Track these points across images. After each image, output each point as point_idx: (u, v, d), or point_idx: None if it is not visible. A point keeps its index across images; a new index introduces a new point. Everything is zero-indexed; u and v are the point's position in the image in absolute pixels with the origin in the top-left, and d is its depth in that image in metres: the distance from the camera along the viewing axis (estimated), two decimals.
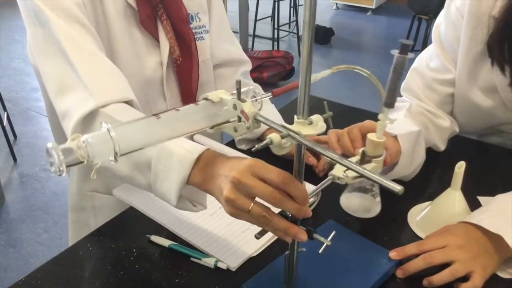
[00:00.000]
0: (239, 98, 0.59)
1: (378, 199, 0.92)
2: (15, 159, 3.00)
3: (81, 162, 0.49)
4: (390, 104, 0.63)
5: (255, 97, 0.62)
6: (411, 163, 0.96)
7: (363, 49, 5.26)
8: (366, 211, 0.92)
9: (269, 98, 0.65)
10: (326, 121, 0.58)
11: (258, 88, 1.18)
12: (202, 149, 0.71)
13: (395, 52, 0.59)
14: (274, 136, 0.56)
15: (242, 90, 0.59)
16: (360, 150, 0.70)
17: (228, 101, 0.59)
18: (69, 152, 0.48)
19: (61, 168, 0.47)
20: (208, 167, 0.69)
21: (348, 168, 0.54)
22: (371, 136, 0.69)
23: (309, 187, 0.78)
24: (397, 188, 0.48)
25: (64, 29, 0.84)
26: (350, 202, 0.93)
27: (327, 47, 5.12)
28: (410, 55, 0.59)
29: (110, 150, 0.50)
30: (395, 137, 0.92)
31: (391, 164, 0.90)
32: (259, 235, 0.63)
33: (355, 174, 0.62)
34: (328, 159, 0.55)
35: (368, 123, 0.90)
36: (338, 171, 0.63)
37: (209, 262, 0.80)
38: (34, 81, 4.06)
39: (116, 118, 0.80)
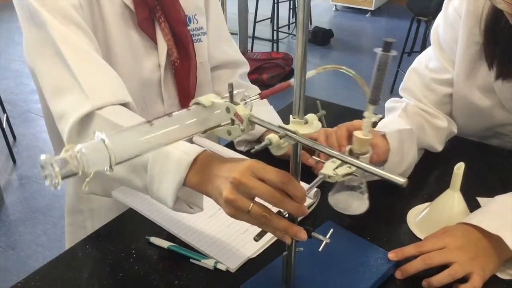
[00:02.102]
0: (231, 101, 0.58)
1: (366, 196, 0.92)
2: (14, 161, 3.00)
3: (76, 173, 0.48)
4: (374, 101, 0.63)
5: (244, 100, 0.62)
6: (401, 161, 0.95)
7: (362, 50, 5.26)
8: (354, 208, 0.92)
9: (268, 100, 0.65)
10: (319, 119, 0.59)
11: (255, 89, 1.18)
12: (198, 151, 0.71)
13: (378, 50, 0.59)
14: (273, 137, 0.56)
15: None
16: (347, 148, 0.70)
17: (221, 105, 0.59)
18: (64, 164, 0.47)
19: (57, 181, 0.46)
20: (205, 168, 0.69)
21: (349, 164, 0.54)
22: (357, 133, 0.69)
23: (305, 187, 0.78)
24: (401, 180, 0.47)
25: (60, 30, 0.84)
26: (338, 199, 0.93)
27: (327, 49, 5.13)
28: (393, 52, 0.59)
29: (105, 159, 0.50)
30: (384, 135, 0.92)
31: (379, 162, 0.90)
32: (257, 237, 0.63)
33: (344, 172, 0.63)
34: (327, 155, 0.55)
35: (356, 122, 0.90)
36: (327, 169, 0.64)
37: (208, 263, 0.80)
38: (33, 83, 4.05)
39: (112, 120, 0.79)
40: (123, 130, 0.53)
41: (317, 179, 0.66)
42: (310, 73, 0.61)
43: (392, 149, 0.91)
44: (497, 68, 0.99)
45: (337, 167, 0.63)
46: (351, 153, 0.69)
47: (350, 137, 0.87)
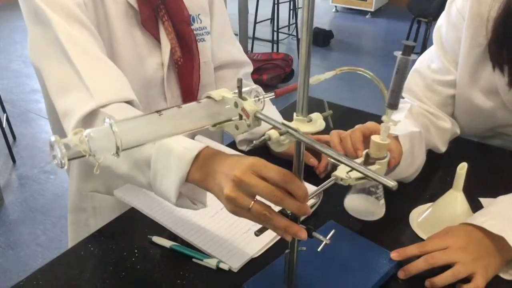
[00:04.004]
0: (240, 96, 0.59)
1: (382, 201, 0.91)
2: (14, 161, 2.99)
3: (83, 156, 0.49)
4: (393, 105, 0.62)
5: (257, 96, 0.62)
6: (412, 163, 0.95)
7: (362, 51, 5.27)
8: (370, 213, 0.92)
9: (270, 100, 0.65)
10: (325, 119, 0.58)
11: (259, 89, 1.18)
12: (201, 147, 0.71)
13: (398, 54, 0.59)
14: (272, 133, 0.56)
15: (244, 89, 0.59)
16: (364, 152, 0.70)
17: (230, 99, 0.59)
18: (72, 146, 0.48)
19: (63, 161, 0.48)
20: (207, 164, 0.69)
21: (348, 166, 0.53)
22: (375, 138, 0.68)
23: (308, 187, 0.78)
24: (391, 183, 0.48)
25: (65, 28, 0.84)
26: (354, 204, 0.93)
27: (327, 50, 5.13)
28: (413, 56, 0.59)
29: (112, 144, 0.51)
30: (396, 137, 0.92)
31: (394, 165, 0.90)
32: (258, 232, 0.63)
33: (358, 175, 0.62)
34: (329, 157, 0.55)
35: (370, 124, 0.89)
36: (341, 172, 0.63)
37: (211, 263, 0.80)
38: (33, 82, 4.06)
39: (116, 117, 0.79)
40: (131, 118, 0.54)
41: (328, 180, 0.65)
42: (328, 74, 0.61)
43: (404, 152, 0.90)
44: (509, 74, 0.98)
45: (350, 170, 0.62)
46: (368, 157, 0.68)
47: (365, 141, 0.86)
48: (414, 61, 0.58)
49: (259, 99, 0.61)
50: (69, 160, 0.48)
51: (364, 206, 0.92)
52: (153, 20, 0.98)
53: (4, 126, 3.00)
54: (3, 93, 3.23)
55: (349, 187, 0.92)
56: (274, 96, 0.64)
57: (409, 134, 0.94)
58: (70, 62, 0.83)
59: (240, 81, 0.58)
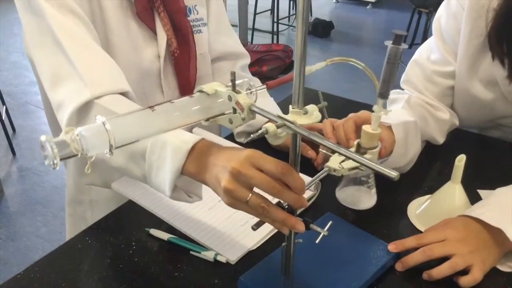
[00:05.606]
0: (233, 89, 0.58)
1: (374, 190, 0.92)
2: (14, 153, 2.99)
3: (75, 155, 0.48)
4: (384, 95, 0.62)
5: (250, 89, 0.61)
6: (406, 153, 0.95)
7: (363, 42, 5.24)
8: (361, 203, 0.92)
9: (268, 92, 0.65)
10: (321, 111, 0.58)
11: (256, 81, 1.17)
12: (196, 139, 0.70)
13: (389, 43, 0.59)
14: (269, 126, 0.55)
15: (237, 82, 0.59)
16: (355, 142, 0.69)
17: (223, 93, 0.59)
18: (63, 145, 0.47)
19: (55, 161, 0.46)
20: (203, 157, 0.68)
21: (344, 157, 0.53)
22: (366, 127, 0.68)
23: (305, 178, 0.78)
24: (393, 174, 0.47)
25: (58, 19, 0.83)
26: (346, 194, 0.93)
27: (327, 41, 5.11)
28: (404, 45, 0.58)
29: (105, 142, 0.50)
30: (389, 127, 0.91)
31: (386, 155, 0.90)
32: (255, 227, 0.63)
33: (350, 165, 0.62)
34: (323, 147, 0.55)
35: (363, 114, 0.89)
36: (333, 162, 0.63)
37: (208, 255, 0.80)
38: (32, 74, 4.03)
39: (111, 109, 0.79)
40: (124, 115, 0.53)
41: (321, 172, 0.65)
42: (319, 65, 0.61)
43: (397, 141, 0.90)
44: (509, 68, 0.98)
45: (343, 161, 0.62)
46: (359, 147, 0.68)
47: (357, 130, 0.85)
48: (406, 51, 0.57)
49: (251, 92, 0.61)
50: (61, 159, 0.47)
51: (356, 196, 0.92)
52: (148, 11, 0.97)
53: (3, 118, 3.00)
54: (2, 85, 3.24)
55: (341, 177, 0.92)
56: (266, 88, 0.63)
57: (403, 123, 0.93)
58: (64, 52, 0.82)
59: (233, 74, 0.57)
